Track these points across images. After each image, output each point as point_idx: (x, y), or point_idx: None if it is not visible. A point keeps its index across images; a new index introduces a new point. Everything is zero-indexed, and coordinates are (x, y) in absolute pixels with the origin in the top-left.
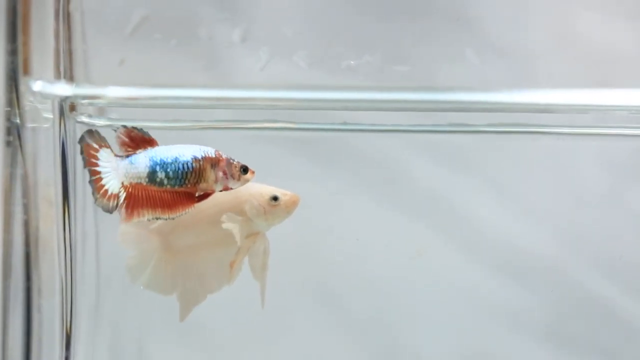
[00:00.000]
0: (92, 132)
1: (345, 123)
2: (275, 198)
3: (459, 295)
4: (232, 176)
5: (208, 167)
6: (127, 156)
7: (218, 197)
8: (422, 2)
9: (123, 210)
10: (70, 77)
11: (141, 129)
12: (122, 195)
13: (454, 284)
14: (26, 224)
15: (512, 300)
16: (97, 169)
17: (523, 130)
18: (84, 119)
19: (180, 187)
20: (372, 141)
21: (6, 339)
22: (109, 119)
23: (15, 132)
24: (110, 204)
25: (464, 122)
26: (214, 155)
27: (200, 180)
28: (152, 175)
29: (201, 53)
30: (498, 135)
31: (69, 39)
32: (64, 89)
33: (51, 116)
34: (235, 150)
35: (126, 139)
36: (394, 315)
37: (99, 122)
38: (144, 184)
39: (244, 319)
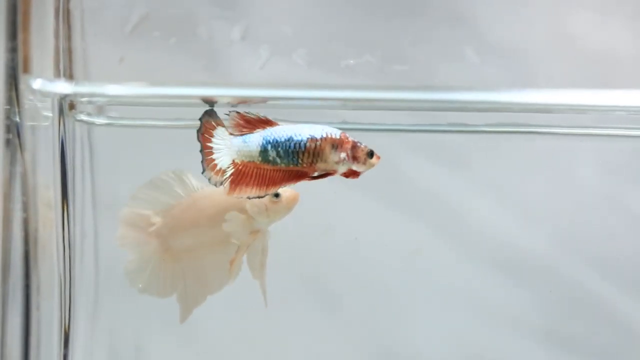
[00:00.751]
0: (212, 112)
1: (344, 122)
2: (276, 195)
3: (457, 294)
4: (357, 159)
5: (327, 147)
6: (242, 135)
7: (217, 197)
8: (422, 1)
9: (227, 184)
10: (69, 76)
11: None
12: (230, 171)
13: (452, 283)
14: (25, 223)
15: (510, 300)
16: (210, 144)
17: (521, 130)
18: (83, 117)
19: (295, 165)
20: (371, 140)
21: (5, 337)
22: (109, 117)
23: (14, 130)
24: (217, 178)
25: (462, 121)
26: (337, 137)
27: (317, 160)
28: (264, 153)
29: (201, 51)
30: (497, 135)
31: (69, 37)
32: (63, 87)
33: (51, 114)
34: None
35: (241, 121)
36: (392, 315)
37: (98, 120)
38: (257, 162)
39: (241, 320)
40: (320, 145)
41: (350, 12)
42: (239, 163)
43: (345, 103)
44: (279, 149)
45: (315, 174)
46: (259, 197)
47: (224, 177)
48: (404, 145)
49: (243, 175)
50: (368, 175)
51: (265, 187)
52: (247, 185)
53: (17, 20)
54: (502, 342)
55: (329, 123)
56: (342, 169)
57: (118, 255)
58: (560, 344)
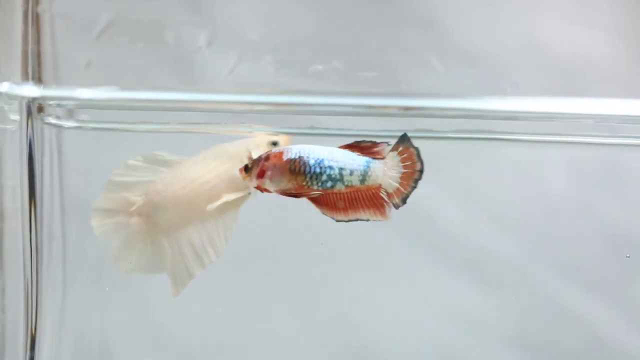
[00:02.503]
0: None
1: (312, 127)
2: (275, 143)
3: (425, 299)
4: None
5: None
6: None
7: (210, 163)
8: (391, 9)
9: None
10: (38, 79)
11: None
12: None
13: (420, 288)
14: None
15: (477, 304)
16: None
17: (489, 137)
18: (52, 120)
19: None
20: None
21: None
22: (78, 120)
23: None
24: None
25: (430, 128)
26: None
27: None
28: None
29: (168, 57)
30: (464, 142)
31: (38, 41)
32: (31, 90)
33: (18, 117)
34: None
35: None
36: (360, 319)
37: (67, 123)
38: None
39: (209, 320)
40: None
41: (318, 18)
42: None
43: (313, 108)
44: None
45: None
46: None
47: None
48: None
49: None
50: None
51: None
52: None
53: None
54: (471, 346)
55: (297, 128)
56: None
57: (85, 259)
58: (529, 348)
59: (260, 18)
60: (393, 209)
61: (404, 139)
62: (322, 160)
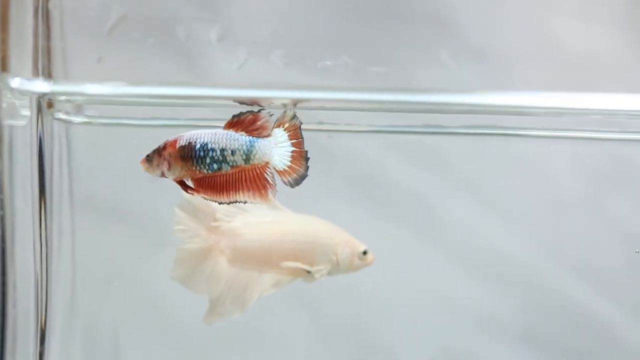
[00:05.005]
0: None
1: (320, 122)
2: (365, 252)
3: (434, 297)
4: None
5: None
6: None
7: (310, 227)
8: (400, 4)
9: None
10: (48, 74)
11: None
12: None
13: (429, 285)
14: (2, 220)
15: (487, 302)
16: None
17: (498, 132)
18: (62, 116)
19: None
20: (348, 141)
21: None
22: (87, 115)
23: None
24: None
25: (439, 123)
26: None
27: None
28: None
29: (179, 52)
30: (474, 138)
31: (48, 37)
32: (41, 85)
33: (29, 113)
34: None
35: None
36: (370, 318)
37: (76, 119)
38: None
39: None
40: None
41: (327, 14)
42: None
43: (322, 104)
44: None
45: None
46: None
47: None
48: (380, 147)
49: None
50: (344, 176)
51: None
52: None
53: None
54: (479, 345)
55: (306, 123)
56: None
57: (95, 254)
58: (537, 347)
59: (270, 13)
60: (286, 189)
61: (287, 113)
62: (205, 144)
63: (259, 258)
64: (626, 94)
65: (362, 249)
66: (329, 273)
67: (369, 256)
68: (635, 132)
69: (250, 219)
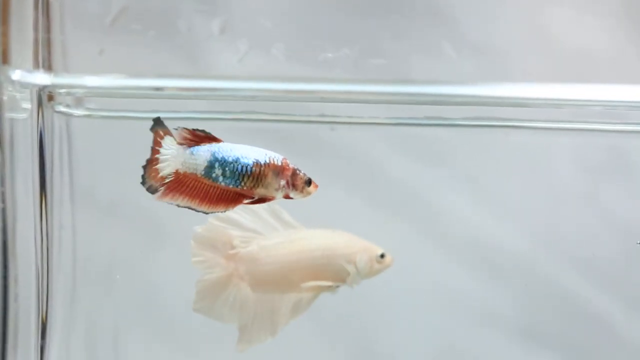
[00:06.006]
0: (159, 120)
1: (322, 115)
2: (382, 255)
3: (432, 291)
4: (295, 187)
5: (270, 173)
6: (189, 147)
7: (326, 241)
8: None
9: (162, 189)
10: (48, 67)
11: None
12: (170, 178)
13: (427, 279)
14: (3, 213)
15: (485, 296)
16: (157, 155)
17: (498, 124)
18: (62, 108)
19: (235, 187)
20: (348, 133)
21: None
22: (87, 108)
23: None
24: (156, 184)
25: (440, 115)
26: (279, 164)
27: (259, 185)
28: (209, 169)
29: (179, 45)
30: (474, 129)
31: (48, 29)
32: (42, 78)
33: (29, 106)
34: None
35: (188, 136)
36: (367, 313)
37: (77, 112)
38: (199, 175)
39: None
40: (263, 170)
41: (328, 6)
42: (181, 173)
43: (323, 96)
44: (226, 168)
45: (254, 198)
46: (188, 208)
47: (163, 182)
48: (381, 139)
49: (180, 184)
50: (345, 168)
51: (198, 201)
52: (181, 194)
53: None
54: (477, 339)
55: (307, 116)
56: (280, 195)
57: (96, 248)
58: (535, 340)
59: (271, 6)
60: None
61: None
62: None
63: (279, 280)
64: (627, 84)
65: (379, 252)
66: (351, 282)
67: (387, 258)
68: (635, 123)
69: (266, 242)
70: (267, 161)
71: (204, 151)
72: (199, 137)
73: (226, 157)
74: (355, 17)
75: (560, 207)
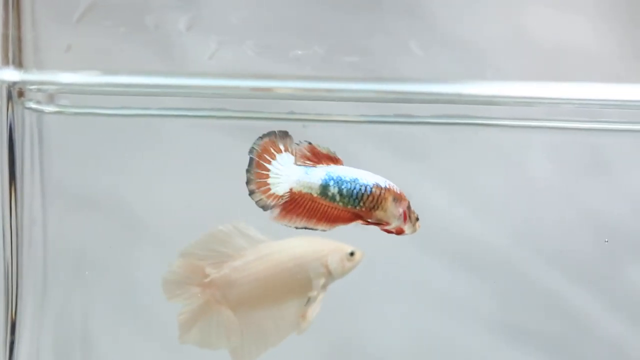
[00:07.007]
0: (286, 134)
1: (292, 112)
2: (352, 254)
3: (408, 285)
4: (410, 220)
5: (390, 198)
6: (305, 166)
7: (294, 250)
8: None
9: (277, 210)
10: (19, 63)
11: (328, 147)
12: (286, 198)
13: (406, 276)
14: None
15: (462, 290)
16: (269, 165)
17: (469, 122)
18: (33, 105)
19: (353, 207)
20: (319, 131)
21: None
22: (59, 105)
23: None
24: (269, 202)
25: (410, 113)
26: (398, 191)
27: (378, 208)
28: (324, 188)
29: (149, 41)
30: (445, 127)
31: (18, 25)
32: (12, 74)
33: None
34: (184, 139)
35: (308, 153)
36: (348, 309)
37: (47, 108)
38: (314, 195)
39: None
40: (384, 194)
41: (299, 3)
42: (296, 192)
43: (293, 93)
44: (342, 187)
45: (369, 220)
46: (305, 228)
47: (278, 202)
48: (351, 136)
49: (297, 205)
50: None
51: (315, 221)
52: (297, 215)
53: None
54: (454, 333)
55: (277, 113)
56: (395, 223)
57: (66, 243)
58: (512, 334)
59: (241, 2)
60: None
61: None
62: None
63: (258, 297)
64: (599, 83)
65: (349, 250)
66: (326, 285)
67: (357, 254)
68: (608, 121)
69: (236, 263)
70: (387, 186)
71: (319, 171)
72: (318, 156)
73: (342, 177)
74: (326, 13)
75: (534, 203)
